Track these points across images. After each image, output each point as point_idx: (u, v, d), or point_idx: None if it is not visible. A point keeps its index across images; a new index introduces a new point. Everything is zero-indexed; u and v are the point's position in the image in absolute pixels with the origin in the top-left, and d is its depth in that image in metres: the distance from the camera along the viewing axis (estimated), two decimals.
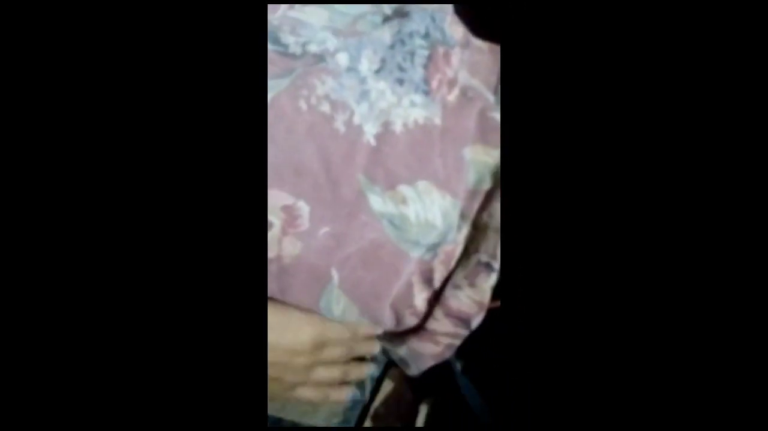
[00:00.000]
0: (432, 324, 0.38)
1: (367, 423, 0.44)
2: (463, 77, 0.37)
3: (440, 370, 0.40)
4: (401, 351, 0.41)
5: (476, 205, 0.37)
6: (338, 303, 0.37)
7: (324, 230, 0.36)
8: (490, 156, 0.36)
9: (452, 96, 0.37)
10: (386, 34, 0.36)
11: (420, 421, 0.45)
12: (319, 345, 0.36)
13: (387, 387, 0.45)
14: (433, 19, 0.37)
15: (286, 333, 0.35)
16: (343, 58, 0.35)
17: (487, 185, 0.37)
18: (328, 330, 0.36)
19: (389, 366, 0.45)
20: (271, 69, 0.35)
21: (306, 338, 0.36)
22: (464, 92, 0.37)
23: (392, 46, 0.36)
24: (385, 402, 0.45)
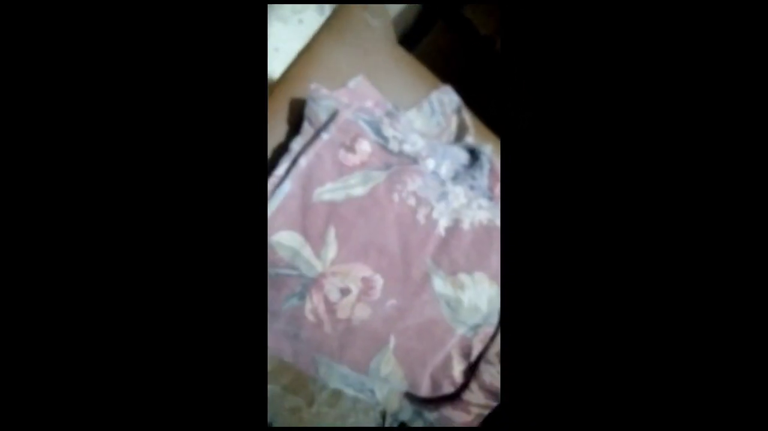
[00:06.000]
0: (467, 395, 0.42)
1: None
2: None
3: None
4: (431, 416, 0.45)
5: None
6: (387, 365, 0.41)
7: (391, 302, 0.40)
8: None
9: None
10: (462, 152, 0.43)
11: None
12: None
13: None
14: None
15: None
16: (431, 164, 0.41)
17: None
18: None
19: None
20: (373, 160, 0.41)
21: None
22: None
23: (466, 163, 0.43)
24: None
